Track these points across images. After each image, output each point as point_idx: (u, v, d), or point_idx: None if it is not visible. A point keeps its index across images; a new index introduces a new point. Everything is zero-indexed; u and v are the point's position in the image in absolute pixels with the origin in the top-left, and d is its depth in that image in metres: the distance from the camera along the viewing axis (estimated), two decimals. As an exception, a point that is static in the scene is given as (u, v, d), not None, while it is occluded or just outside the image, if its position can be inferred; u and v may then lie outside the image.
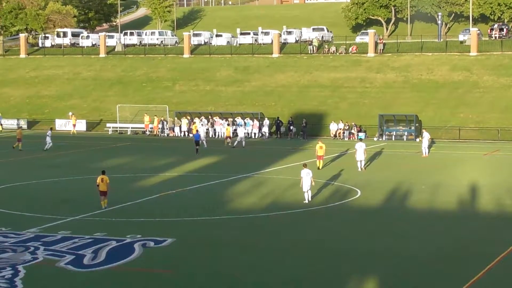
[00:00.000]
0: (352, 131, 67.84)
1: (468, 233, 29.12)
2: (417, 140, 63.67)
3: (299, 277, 22.76)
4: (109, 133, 74.69)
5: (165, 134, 72.47)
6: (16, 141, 58.43)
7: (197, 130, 62.92)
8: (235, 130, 66.31)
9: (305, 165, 35.99)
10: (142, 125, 74.76)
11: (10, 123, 79.53)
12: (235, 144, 61.14)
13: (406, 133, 67.74)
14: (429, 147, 56.41)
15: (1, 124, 76.97)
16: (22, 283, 21.71)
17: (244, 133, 64.23)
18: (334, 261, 24.54)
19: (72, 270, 23.17)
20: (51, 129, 62.86)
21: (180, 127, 71.98)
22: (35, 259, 24.42)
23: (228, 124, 67.73)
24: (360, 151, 46.73)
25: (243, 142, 61.13)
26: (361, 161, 46.92)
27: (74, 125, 74.70)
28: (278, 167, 48.37)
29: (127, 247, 25.95)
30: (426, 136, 55.52)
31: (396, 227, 30.14)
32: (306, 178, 34.98)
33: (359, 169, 46.66)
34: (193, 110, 75.11)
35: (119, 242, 26.61)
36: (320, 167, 46.78)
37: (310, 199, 35.30)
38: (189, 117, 72.00)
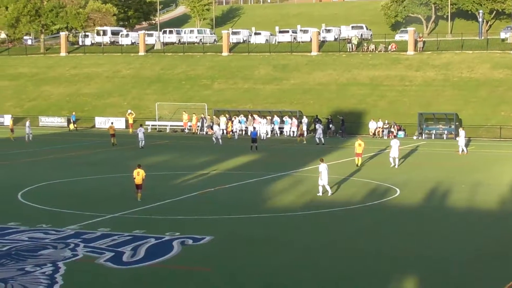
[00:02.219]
0: (392, 129, 67.42)
1: (509, 232, 28.75)
2: (457, 138, 63.07)
3: (337, 277, 22.67)
4: (148, 131, 75.01)
5: (204, 132, 72.59)
6: (111, 137, 60.44)
7: (254, 128, 65.08)
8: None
9: (321, 160, 36.93)
10: (181, 123, 75.01)
11: (50, 121, 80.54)
12: (318, 141, 61.13)
13: (446, 132, 67.18)
14: (466, 145, 56.02)
15: (74, 122, 77.39)
16: (62, 280, 21.91)
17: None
18: (373, 261, 24.36)
19: (112, 267, 23.33)
20: (141, 125, 63.68)
21: (219, 125, 72.04)
22: (75, 255, 24.61)
23: (301, 122, 67.74)
24: (395, 148, 46.87)
25: (323, 139, 61.18)
26: (395, 157, 47.02)
27: (131, 125, 74.33)
28: (316, 166, 48.06)
29: (166, 245, 26.03)
30: (462, 134, 55.34)
31: (435, 226, 29.85)
32: (324, 172, 35.92)
33: (392, 165, 46.97)
34: (231, 108, 75.19)
35: (158, 240, 26.71)
36: (359, 164, 46.86)
37: (331, 193, 36.22)
38: (227, 115, 72.07)
